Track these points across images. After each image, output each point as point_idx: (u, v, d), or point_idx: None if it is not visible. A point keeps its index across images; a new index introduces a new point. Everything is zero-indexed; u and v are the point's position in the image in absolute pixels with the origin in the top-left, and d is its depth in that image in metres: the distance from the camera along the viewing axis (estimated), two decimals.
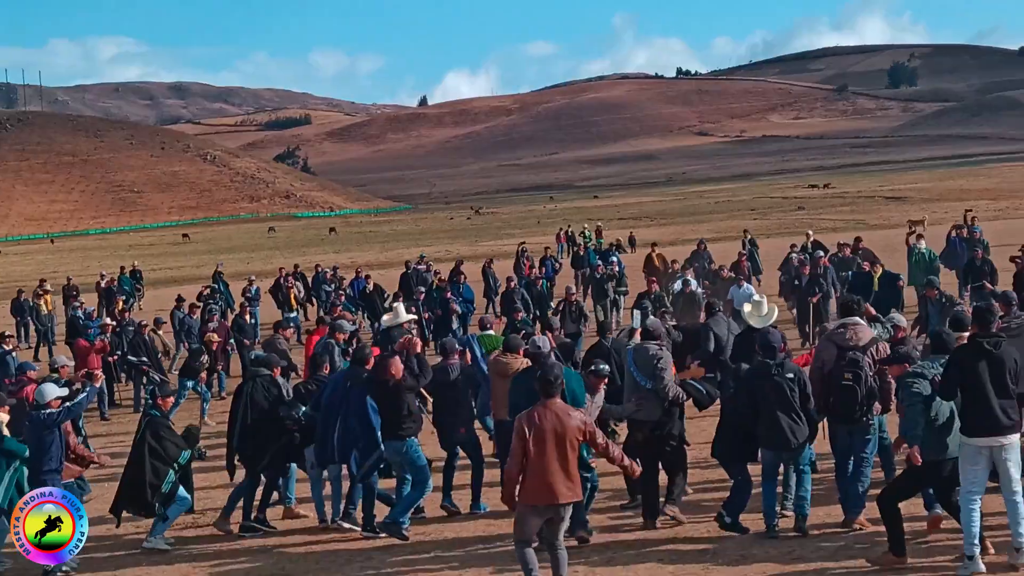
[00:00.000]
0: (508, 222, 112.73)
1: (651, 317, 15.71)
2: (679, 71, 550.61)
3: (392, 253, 75.13)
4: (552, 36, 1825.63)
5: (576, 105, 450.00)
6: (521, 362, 13.79)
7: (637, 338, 14.37)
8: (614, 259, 36.26)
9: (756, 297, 17.29)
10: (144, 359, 24.13)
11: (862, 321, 12.83)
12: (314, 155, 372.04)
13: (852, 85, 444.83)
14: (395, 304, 23.52)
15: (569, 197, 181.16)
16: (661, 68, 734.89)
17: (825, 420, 12.50)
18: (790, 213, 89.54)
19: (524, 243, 46.23)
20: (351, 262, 70.36)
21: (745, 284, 26.65)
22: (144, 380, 23.55)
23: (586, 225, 65.90)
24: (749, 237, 43.18)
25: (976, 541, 10.25)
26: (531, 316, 26.32)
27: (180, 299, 29.95)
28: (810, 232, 42.38)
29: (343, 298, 32.87)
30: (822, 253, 30.10)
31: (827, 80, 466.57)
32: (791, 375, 12.07)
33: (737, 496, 12.39)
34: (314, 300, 38.79)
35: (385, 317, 22.31)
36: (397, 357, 13.46)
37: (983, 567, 10.18)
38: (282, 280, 37.04)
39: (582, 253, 45.70)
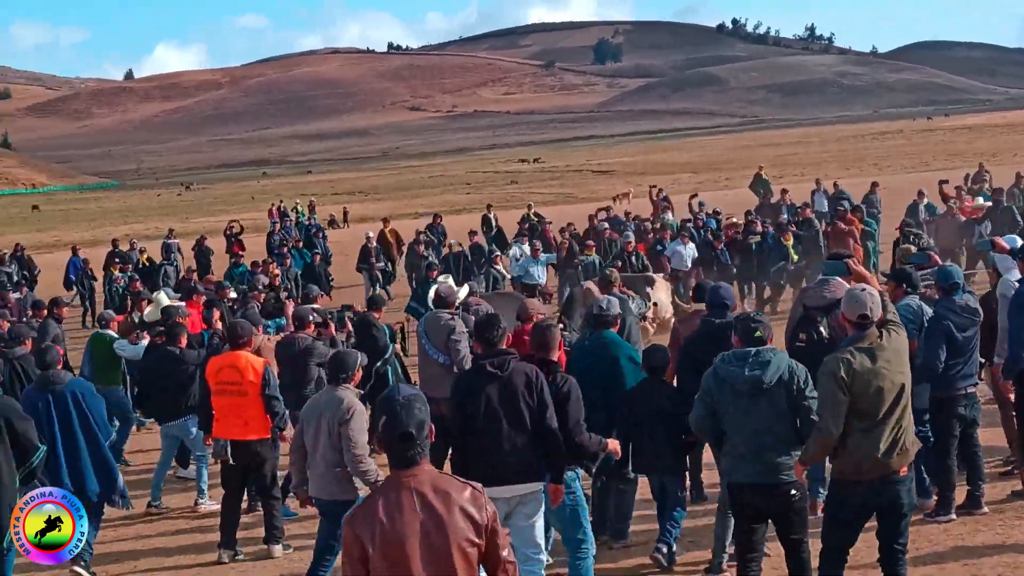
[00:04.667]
0: (220, 198, 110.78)
1: (446, 283, 14.95)
2: (390, 46, 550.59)
3: (100, 231, 72.93)
4: (263, 9, 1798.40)
5: (288, 79, 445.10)
6: None
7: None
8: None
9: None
10: None
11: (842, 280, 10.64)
12: (15, 131, 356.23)
13: (559, 61, 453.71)
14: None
15: (283, 173, 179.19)
16: (373, 43, 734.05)
17: None
18: (503, 187, 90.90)
19: (234, 221, 45.48)
20: (55, 240, 68.06)
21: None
22: None
23: (298, 200, 65.36)
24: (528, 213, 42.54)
25: None
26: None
27: None
28: (531, 204, 43.34)
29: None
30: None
31: (535, 56, 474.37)
32: None
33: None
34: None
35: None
36: None
37: None
38: None
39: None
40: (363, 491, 9.32)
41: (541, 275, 25.03)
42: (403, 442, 5.22)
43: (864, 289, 8.03)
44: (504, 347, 8.80)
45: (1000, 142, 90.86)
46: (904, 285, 11.29)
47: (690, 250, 25.37)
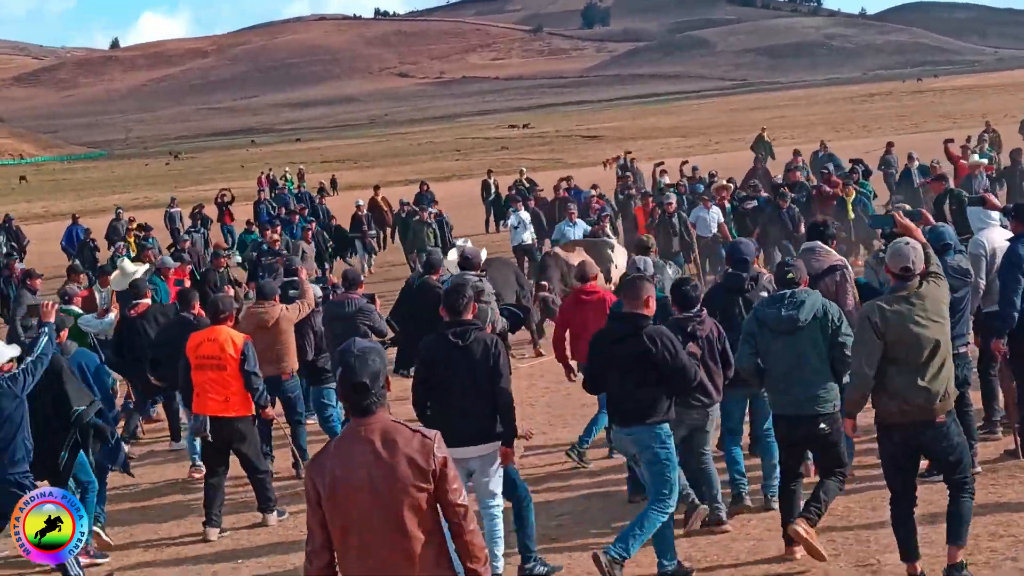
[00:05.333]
0: (209, 167, 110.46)
1: (469, 245, 15.26)
2: (377, 12, 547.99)
3: (88, 201, 72.80)
4: None
5: (275, 47, 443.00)
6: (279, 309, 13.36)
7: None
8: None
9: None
10: None
11: (828, 247, 11.14)
12: (0, 101, 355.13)
13: (547, 26, 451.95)
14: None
15: (271, 141, 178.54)
16: (360, 8, 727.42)
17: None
18: (492, 153, 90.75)
19: (225, 190, 45.43)
20: (44, 211, 67.96)
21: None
22: None
23: (287, 169, 65.24)
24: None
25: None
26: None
27: None
28: (523, 169, 43.27)
29: None
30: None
31: (523, 20, 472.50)
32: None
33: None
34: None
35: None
36: None
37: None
38: None
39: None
40: None
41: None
42: (357, 392, 5.46)
43: (908, 243, 8.30)
44: (469, 316, 9.14)
45: (991, 103, 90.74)
46: None
47: (714, 215, 24.67)
